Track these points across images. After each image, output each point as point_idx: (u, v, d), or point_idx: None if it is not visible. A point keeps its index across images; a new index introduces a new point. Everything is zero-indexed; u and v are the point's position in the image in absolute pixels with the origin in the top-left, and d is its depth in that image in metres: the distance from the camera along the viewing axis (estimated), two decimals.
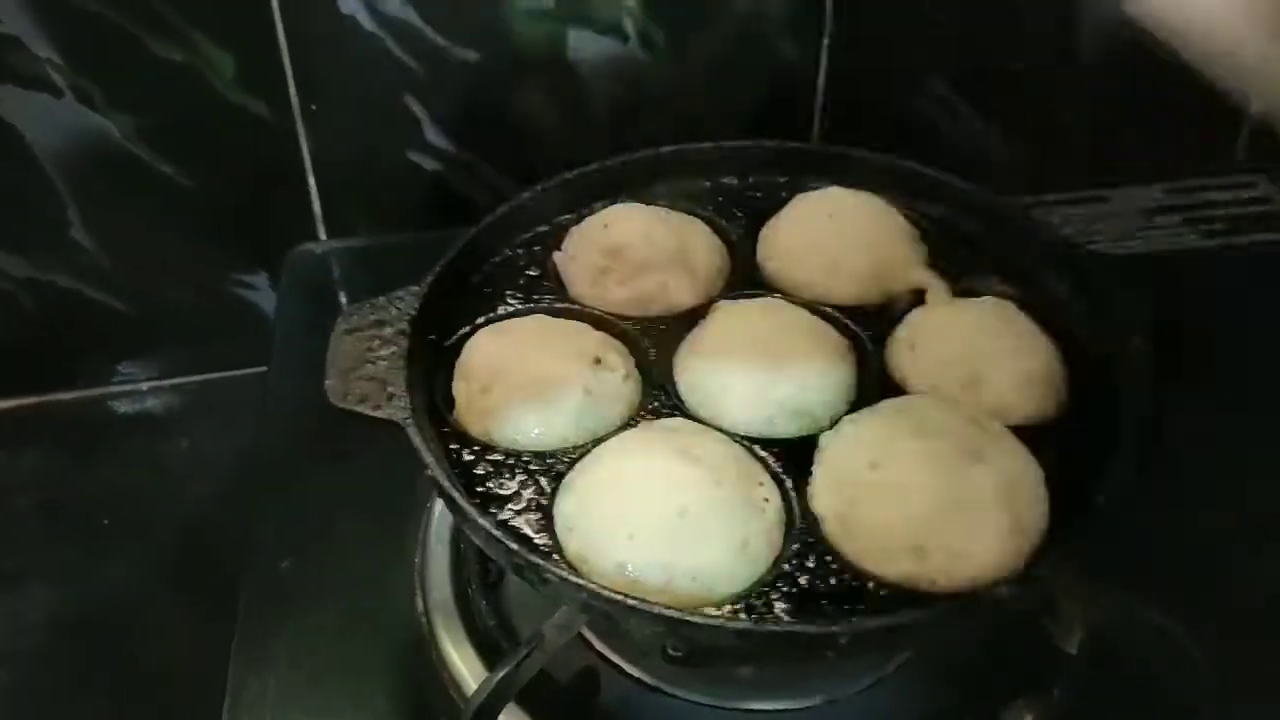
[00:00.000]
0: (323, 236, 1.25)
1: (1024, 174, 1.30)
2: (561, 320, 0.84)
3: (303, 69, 1.15)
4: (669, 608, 0.65)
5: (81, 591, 1.10)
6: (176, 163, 1.17)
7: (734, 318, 0.83)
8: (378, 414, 0.75)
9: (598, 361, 0.79)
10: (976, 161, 1.29)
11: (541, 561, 0.67)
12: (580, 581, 0.66)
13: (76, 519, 1.16)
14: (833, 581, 0.69)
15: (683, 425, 0.76)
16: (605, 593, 0.65)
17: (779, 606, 0.67)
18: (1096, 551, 0.79)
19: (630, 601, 0.65)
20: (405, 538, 0.91)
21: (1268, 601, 0.87)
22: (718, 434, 0.76)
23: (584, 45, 1.19)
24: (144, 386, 1.30)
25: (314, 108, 1.17)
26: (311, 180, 1.22)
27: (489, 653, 0.82)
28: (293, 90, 1.16)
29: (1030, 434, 0.76)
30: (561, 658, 0.72)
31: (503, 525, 0.71)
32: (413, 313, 0.81)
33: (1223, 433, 0.93)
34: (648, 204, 0.94)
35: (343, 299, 1.21)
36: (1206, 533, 0.90)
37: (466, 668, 0.82)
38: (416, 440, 0.73)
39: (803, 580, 0.69)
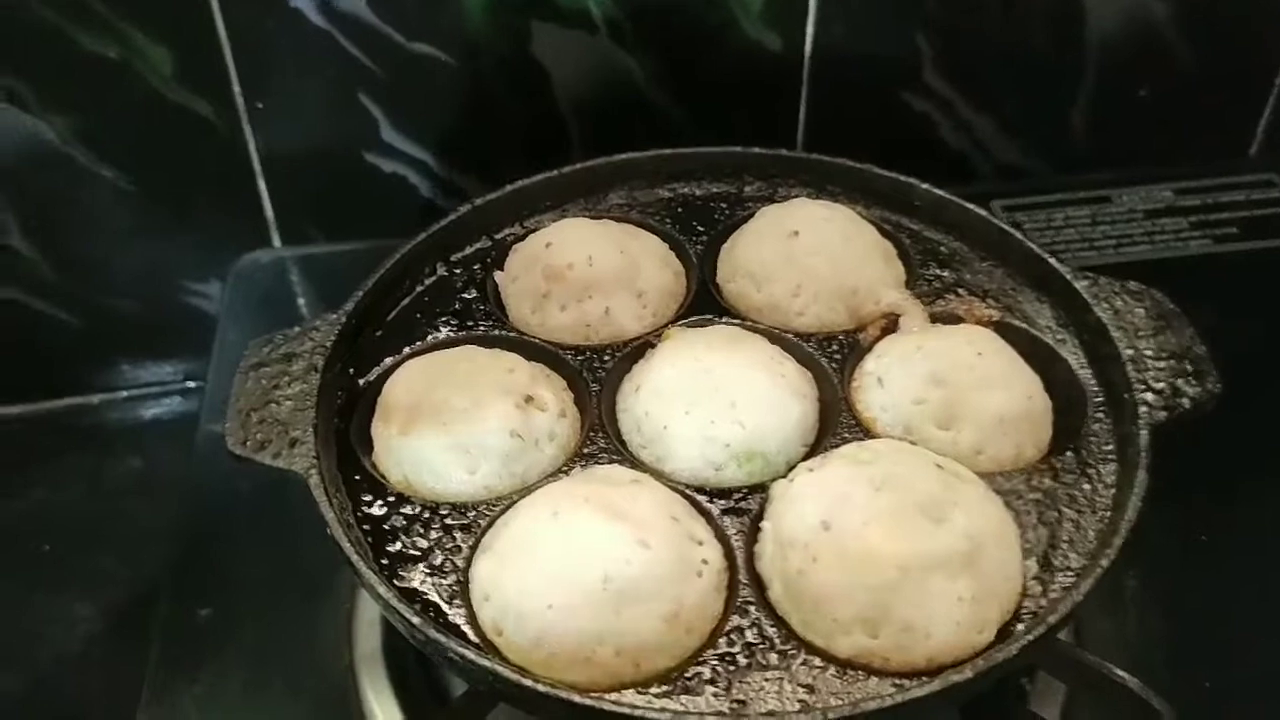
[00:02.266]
0: (277, 244, 1.18)
1: (1022, 173, 1.21)
2: (494, 352, 0.76)
3: (246, 66, 1.07)
4: (581, 693, 0.58)
5: (17, 621, 1.04)
6: (118, 166, 1.10)
7: (681, 348, 0.75)
8: (277, 463, 0.67)
9: (528, 400, 0.72)
10: (971, 160, 1.20)
11: (442, 638, 0.59)
12: (484, 664, 0.59)
13: (14, 543, 1.09)
14: (773, 658, 0.61)
15: (616, 474, 0.68)
16: (511, 677, 0.58)
17: (709, 689, 0.60)
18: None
19: (539, 688, 0.57)
20: (337, 584, 0.84)
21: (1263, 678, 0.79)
22: (656, 484, 0.68)
23: (549, 38, 1.11)
24: (95, 400, 1.23)
25: (260, 106, 1.10)
26: (262, 184, 1.14)
27: (415, 713, 0.75)
28: (236, 88, 1.09)
29: (1009, 480, 0.68)
30: None
31: (409, 593, 0.64)
32: (327, 345, 0.74)
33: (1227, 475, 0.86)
34: (600, 217, 0.86)
35: (303, 310, 1.15)
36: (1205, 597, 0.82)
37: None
38: (318, 494, 0.65)
39: (740, 656, 0.61)
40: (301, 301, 1.15)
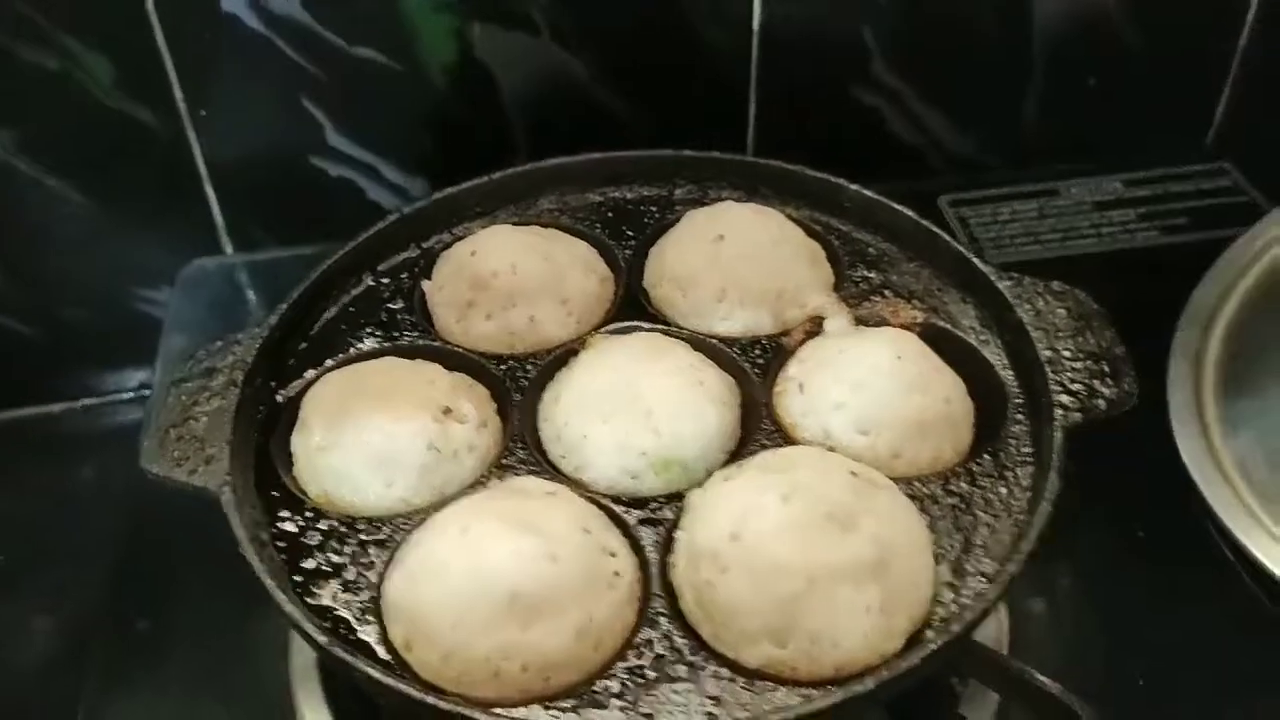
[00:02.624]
0: (228, 250, 1.17)
1: (976, 166, 1.21)
2: (414, 363, 0.76)
3: (187, 72, 1.07)
4: (485, 709, 0.58)
5: None
6: (64, 176, 1.10)
7: (601, 357, 0.75)
8: (192, 480, 0.67)
9: (447, 411, 0.72)
10: (924, 154, 1.19)
11: (347, 657, 0.59)
12: (387, 682, 0.58)
13: None
14: (682, 670, 0.61)
15: (532, 486, 0.68)
16: (418, 697, 0.58)
17: (616, 703, 0.60)
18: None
19: (441, 705, 0.57)
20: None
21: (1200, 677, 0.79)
22: (572, 495, 0.68)
23: (492, 40, 1.10)
24: (56, 409, 1.22)
25: (203, 113, 1.09)
26: (210, 190, 1.14)
27: None
28: (178, 95, 1.08)
29: (926, 485, 0.68)
30: None
31: (321, 611, 0.64)
32: (248, 360, 0.74)
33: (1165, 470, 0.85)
34: (529, 223, 0.86)
35: (252, 316, 1.14)
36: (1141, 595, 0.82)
37: None
38: (229, 511, 0.65)
39: (649, 669, 0.61)
40: (250, 308, 1.14)
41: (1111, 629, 0.82)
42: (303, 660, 0.80)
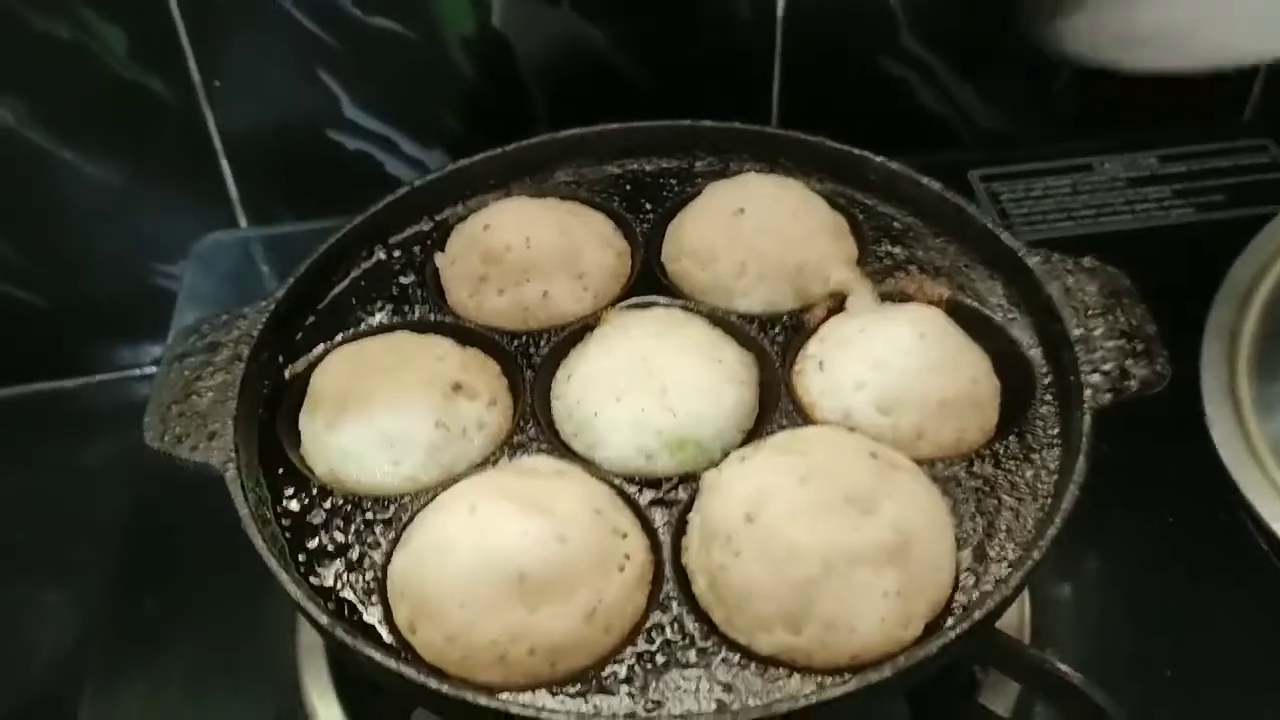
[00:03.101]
0: (243, 224, 1.16)
1: (1007, 140, 1.18)
2: (426, 338, 0.74)
3: (201, 43, 1.05)
4: (490, 694, 0.56)
5: None
6: (78, 148, 1.08)
7: (616, 333, 0.73)
8: (194, 457, 0.66)
9: (457, 388, 0.70)
10: (953, 127, 1.16)
11: (349, 639, 0.58)
12: (391, 666, 0.57)
13: None
14: (692, 656, 0.59)
15: (541, 465, 0.66)
16: (420, 680, 0.56)
17: (624, 689, 0.58)
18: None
19: (445, 689, 0.56)
20: None
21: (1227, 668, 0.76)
22: (582, 475, 0.66)
23: (510, 8, 1.08)
24: (70, 385, 1.21)
25: (218, 84, 1.08)
26: (224, 163, 1.13)
27: (355, 707, 0.74)
28: (193, 66, 1.07)
29: (949, 467, 0.66)
30: None
31: (324, 591, 0.62)
32: (253, 334, 0.72)
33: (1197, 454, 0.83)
34: (544, 196, 0.84)
35: (270, 287, 1.12)
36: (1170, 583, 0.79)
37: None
38: (233, 489, 0.64)
39: (659, 654, 0.59)
40: (265, 282, 1.13)
41: (1138, 618, 0.80)
42: (310, 639, 0.79)
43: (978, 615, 0.57)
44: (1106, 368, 0.68)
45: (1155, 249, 1.03)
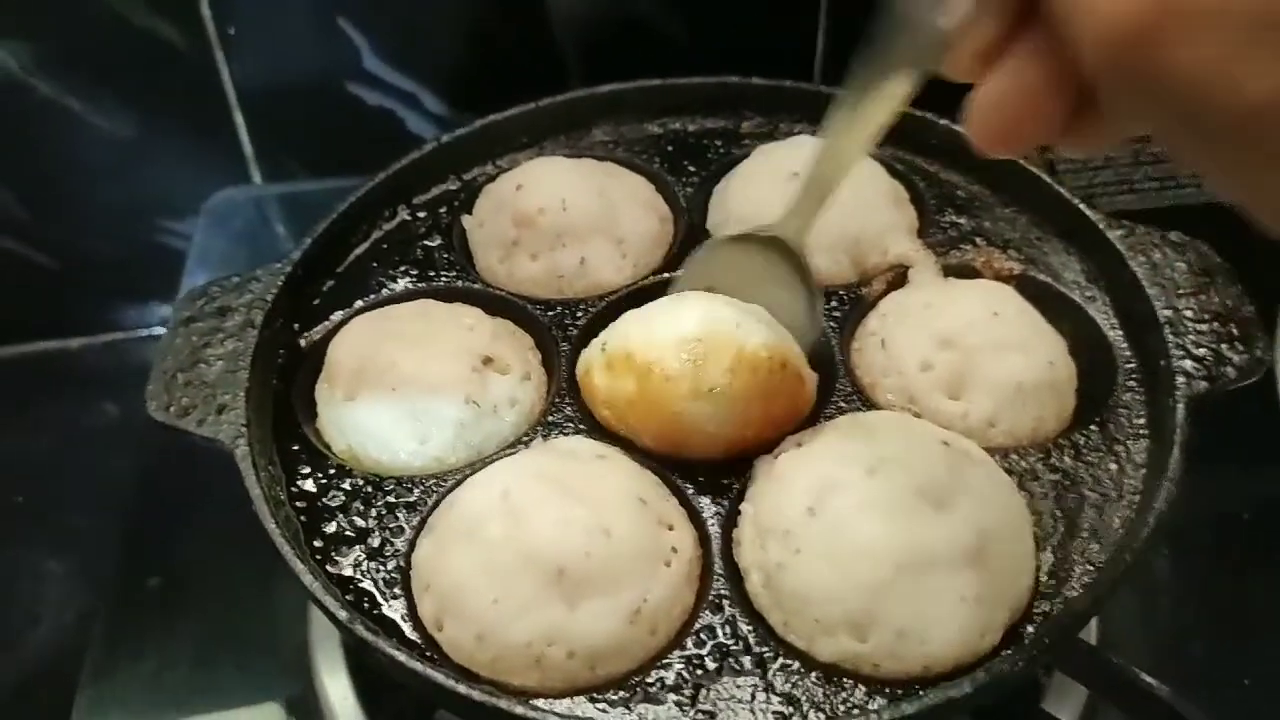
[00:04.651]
0: (256, 180, 1.10)
1: None
2: (454, 306, 0.69)
3: None
4: (525, 700, 0.51)
5: None
6: (84, 97, 1.03)
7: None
8: (202, 431, 0.60)
9: (487, 361, 0.65)
10: None
11: (369, 637, 0.52)
12: (415, 668, 0.51)
13: None
14: (747, 662, 0.54)
15: (580, 448, 0.61)
16: (448, 685, 0.51)
17: (672, 697, 0.52)
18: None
19: (474, 695, 0.50)
20: None
21: None
22: (624, 459, 0.60)
23: None
24: (74, 344, 1.16)
25: (232, 31, 1.02)
26: (238, 116, 1.07)
27: (371, 694, 0.69)
28: (206, 12, 1.01)
29: (1025, 458, 0.61)
30: None
31: (339, 581, 0.57)
32: (268, 297, 0.66)
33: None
34: (580, 156, 0.78)
35: (281, 251, 1.07)
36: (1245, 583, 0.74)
37: (341, 709, 0.69)
38: (245, 468, 0.58)
39: (709, 659, 0.54)
40: (280, 242, 1.07)
41: (1212, 621, 0.75)
42: (324, 621, 0.73)
43: (1066, 625, 0.52)
44: (1199, 353, 0.62)
45: (1224, 225, 0.96)
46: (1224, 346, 0.62)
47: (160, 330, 1.13)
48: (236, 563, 0.79)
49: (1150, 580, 0.75)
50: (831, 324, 0.68)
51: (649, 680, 0.54)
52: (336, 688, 0.71)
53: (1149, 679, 0.58)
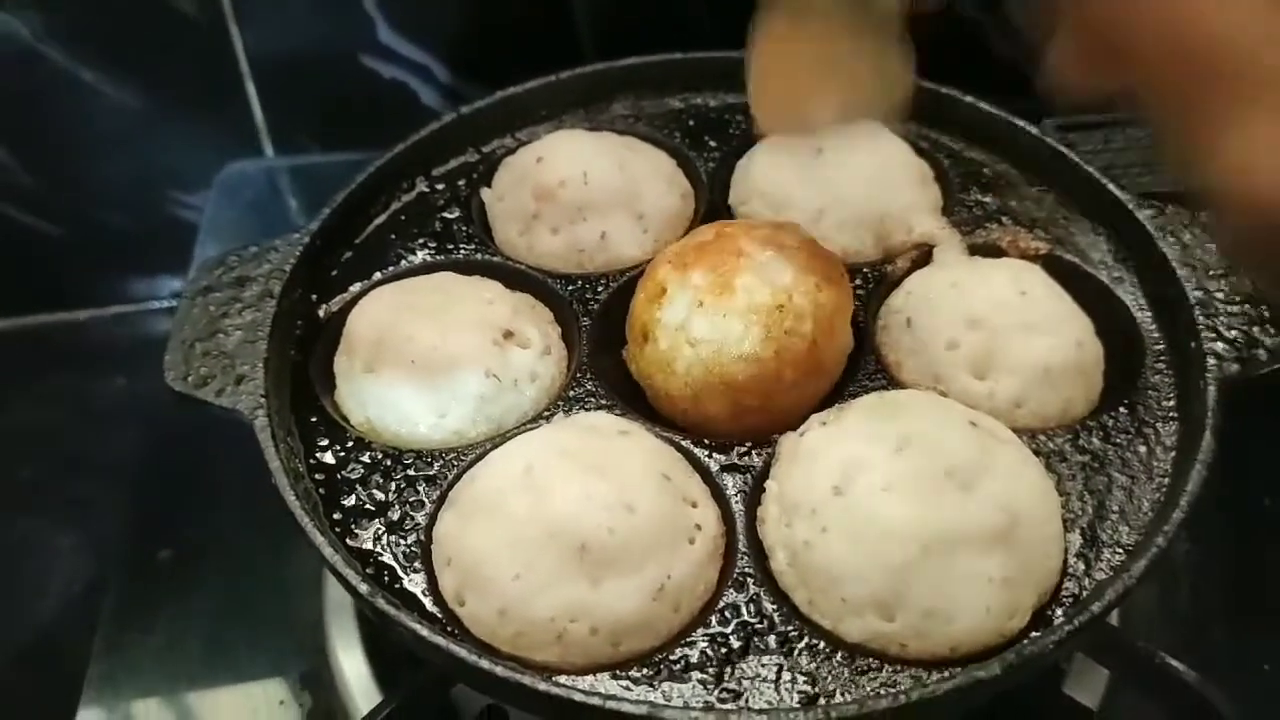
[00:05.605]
0: (269, 153, 1.10)
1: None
2: (473, 279, 0.68)
3: None
4: (547, 677, 0.50)
5: None
6: (96, 67, 1.02)
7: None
8: (220, 401, 0.60)
9: (507, 335, 0.64)
10: (1021, 71, 1.08)
11: (390, 610, 0.52)
12: (438, 642, 0.51)
13: None
14: (771, 640, 0.53)
15: (602, 423, 0.60)
16: (471, 660, 0.50)
17: (696, 675, 0.52)
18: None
19: (497, 670, 0.50)
20: None
21: None
22: (647, 435, 0.60)
23: None
24: (80, 316, 1.16)
25: (245, 3, 1.01)
26: (251, 87, 1.06)
27: (386, 670, 0.69)
28: None
29: (1053, 440, 0.60)
30: None
31: (359, 554, 0.56)
32: (287, 267, 0.65)
33: None
34: (600, 129, 0.77)
35: (293, 224, 1.06)
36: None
37: (356, 684, 0.68)
38: (264, 439, 0.58)
39: (733, 637, 0.53)
40: (292, 215, 1.06)
41: (1233, 606, 0.74)
42: (338, 595, 0.73)
43: (1096, 608, 0.51)
44: (1231, 335, 0.61)
45: None
46: (1255, 329, 0.61)
47: (171, 303, 1.12)
48: (248, 535, 0.79)
49: (1171, 564, 0.75)
50: (856, 302, 0.67)
51: (673, 658, 0.53)
52: (351, 662, 0.70)
53: (1174, 662, 0.57)
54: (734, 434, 0.60)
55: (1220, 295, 0.63)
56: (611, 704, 0.49)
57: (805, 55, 0.66)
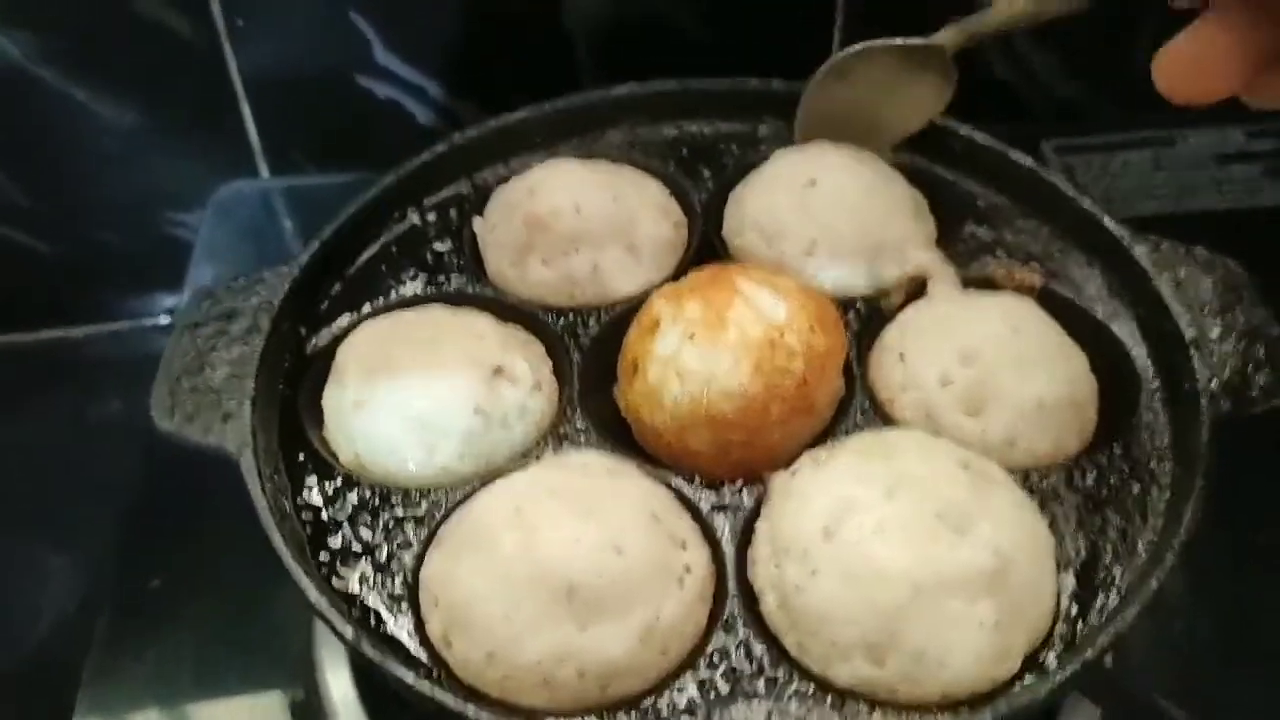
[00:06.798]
0: (264, 174, 1.09)
1: (1081, 109, 1.10)
2: (463, 313, 0.67)
3: None
4: None
5: None
6: (90, 88, 1.02)
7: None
8: (207, 439, 0.59)
9: (497, 370, 0.63)
10: (1024, 95, 1.08)
11: (376, 656, 0.51)
12: (425, 691, 0.50)
13: None
14: (760, 686, 0.53)
15: (592, 463, 0.60)
16: (457, 709, 0.50)
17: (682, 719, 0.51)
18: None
19: (486, 718, 0.49)
20: None
21: None
22: (637, 474, 0.59)
23: None
24: (77, 334, 1.15)
25: (241, 23, 1.01)
26: (246, 108, 1.06)
27: (375, 700, 0.68)
28: (215, 2, 1.00)
29: (1046, 479, 0.60)
30: None
31: (345, 596, 0.56)
32: (274, 302, 0.65)
33: None
34: (594, 158, 0.77)
35: (288, 247, 1.06)
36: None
37: (345, 714, 0.68)
38: (250, 479, 0.57)
39: (722, 682, 0.53)
40: (287, 237, 1.06)
41: (1225, 645, 0.73)
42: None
43: (1090, 655, 0.51)
44: (1225, 374, 0.60)
45: (1244, 232, 0.95)
46: (1250, 367, 0.61)
47: (166, 320, 1.12)
48: (241, 561, 0.78)
49: (1162, 603, 0.74)
50: (850, 336, 0.67)
51: (660, 703, 0.53)
52: (341, 692, 0.70)
53: (1166, 703, 0.57)
54: (719, 471, 0.60)
55: (1214, 334, 0.63)
56: None
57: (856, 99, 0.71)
